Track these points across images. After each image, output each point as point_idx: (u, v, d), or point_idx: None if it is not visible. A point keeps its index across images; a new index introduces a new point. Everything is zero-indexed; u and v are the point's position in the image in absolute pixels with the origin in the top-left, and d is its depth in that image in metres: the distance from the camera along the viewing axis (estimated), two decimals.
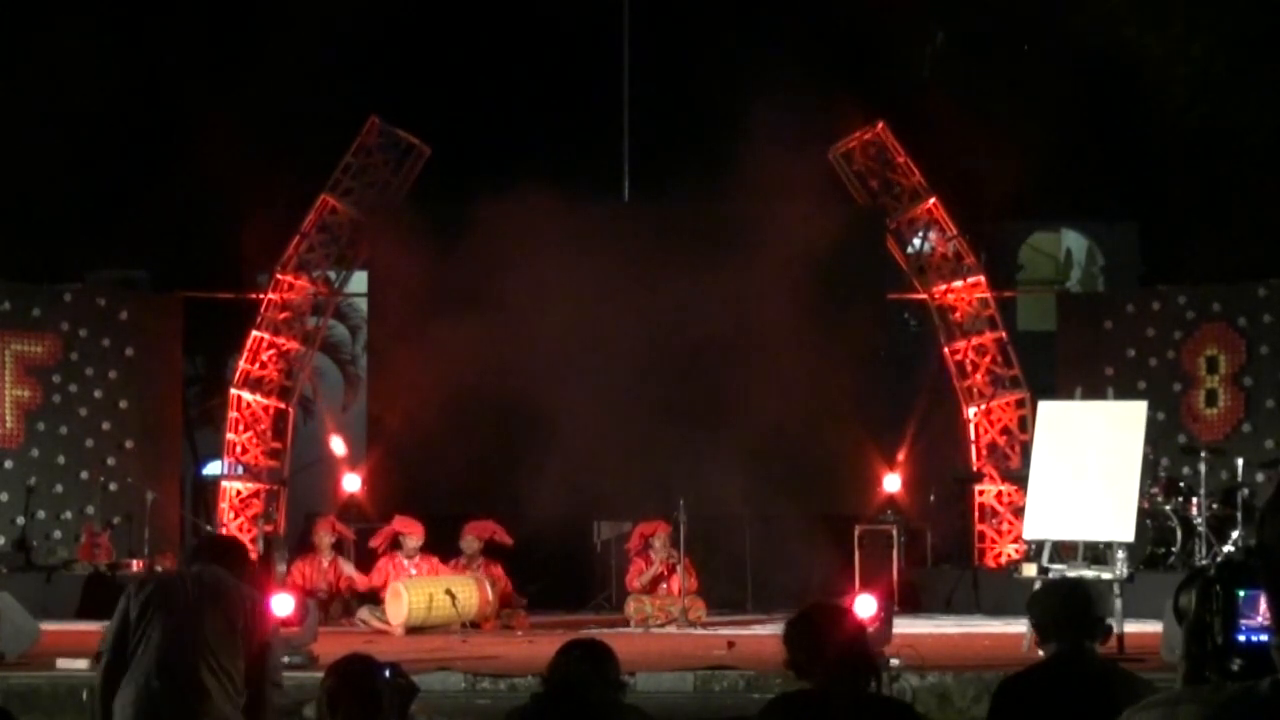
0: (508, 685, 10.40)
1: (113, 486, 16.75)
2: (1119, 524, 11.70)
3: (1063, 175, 20.70)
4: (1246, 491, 14.98)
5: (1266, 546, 1.92)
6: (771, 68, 16.74)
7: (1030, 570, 12.16)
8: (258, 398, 17.62)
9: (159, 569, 15.45)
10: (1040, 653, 4.94)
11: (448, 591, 14.16)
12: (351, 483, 17.13)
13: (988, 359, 17.56)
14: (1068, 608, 4.81)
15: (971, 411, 17.56)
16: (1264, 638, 2.13)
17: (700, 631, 14.21)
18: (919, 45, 21.62)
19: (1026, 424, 16.62)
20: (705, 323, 16.75)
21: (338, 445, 17.67)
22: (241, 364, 17.69)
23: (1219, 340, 16.88)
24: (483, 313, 16.35)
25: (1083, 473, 11.93)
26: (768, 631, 13.12)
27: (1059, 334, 18.32)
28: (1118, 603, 11.15)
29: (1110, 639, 5.23)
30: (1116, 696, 4.52)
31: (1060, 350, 18.02)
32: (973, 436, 17.56)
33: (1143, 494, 12.71)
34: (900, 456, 17.30)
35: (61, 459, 17.03)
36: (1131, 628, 11.24)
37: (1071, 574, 11.36)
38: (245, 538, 17.25)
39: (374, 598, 14.77)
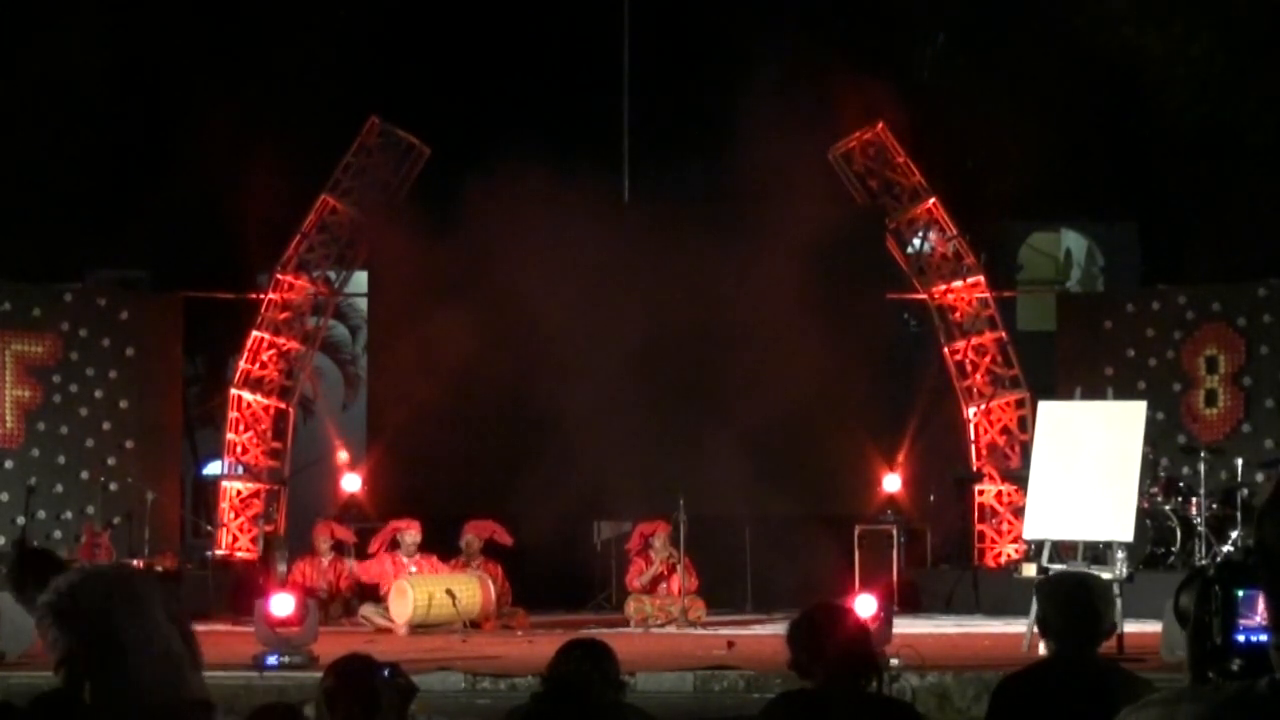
0: (508, 685, 10.40)
1: (113, 486, 16.74)
2: (1118, 524, 11.70)
3: (1063, 175, 20.68)
4: (1246, 491, 14.99)
5: (1266, 546, 1.92)
6: (771, 67, 16.74)
7: (1030, 570, 12.18)
8: (258, 398, 17.62)
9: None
10: (1041, 650, 4.93)
11: (448, 591, 14.16)
12: (351, 483, 17.13)
13: (988, 359, 17.56)
14: (1071, 607, 4.80)
15: (971, 411, 17.56)
16: (1263, 638, 2.12)
17: (700, 631, 14.20)
18: (919, 45, 21.62)
19: (1026, 424, 16.62)
20: (705, 323, 16.76)
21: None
22: (241, 364, 17.69)
23: (1219, 340, 16.88)
24: (482, 313, 16.36)
25: (1083, 473, 11.93)
26: (768, 631, 13.14)
27: (1059, 334, 18.32)
28: (1118, 603, 11.14)
29: (1110, 638, 5.22)
30: (1116, 696, 4.51)
31: (1060, 350, 18.02)
32: (973, 436, 17.56)
33: (1142, 494, 12.70)
34: (900, 456, 17.30)
35: (61, 459, 17.02)
36: (1131, 628, 11.24)
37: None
38: (245, 538, 17.28)
39: (375, 595, 14.78)
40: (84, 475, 17.01)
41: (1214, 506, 15.10)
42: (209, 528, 17.88)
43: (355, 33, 19.54)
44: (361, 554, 15.59)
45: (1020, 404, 17.29)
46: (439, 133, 18.01)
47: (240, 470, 17.58)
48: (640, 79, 18.33)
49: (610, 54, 18.32)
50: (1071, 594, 4.85)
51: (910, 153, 17.65)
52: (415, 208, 17.71)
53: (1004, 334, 17.68)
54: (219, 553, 17.16)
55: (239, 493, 17.48)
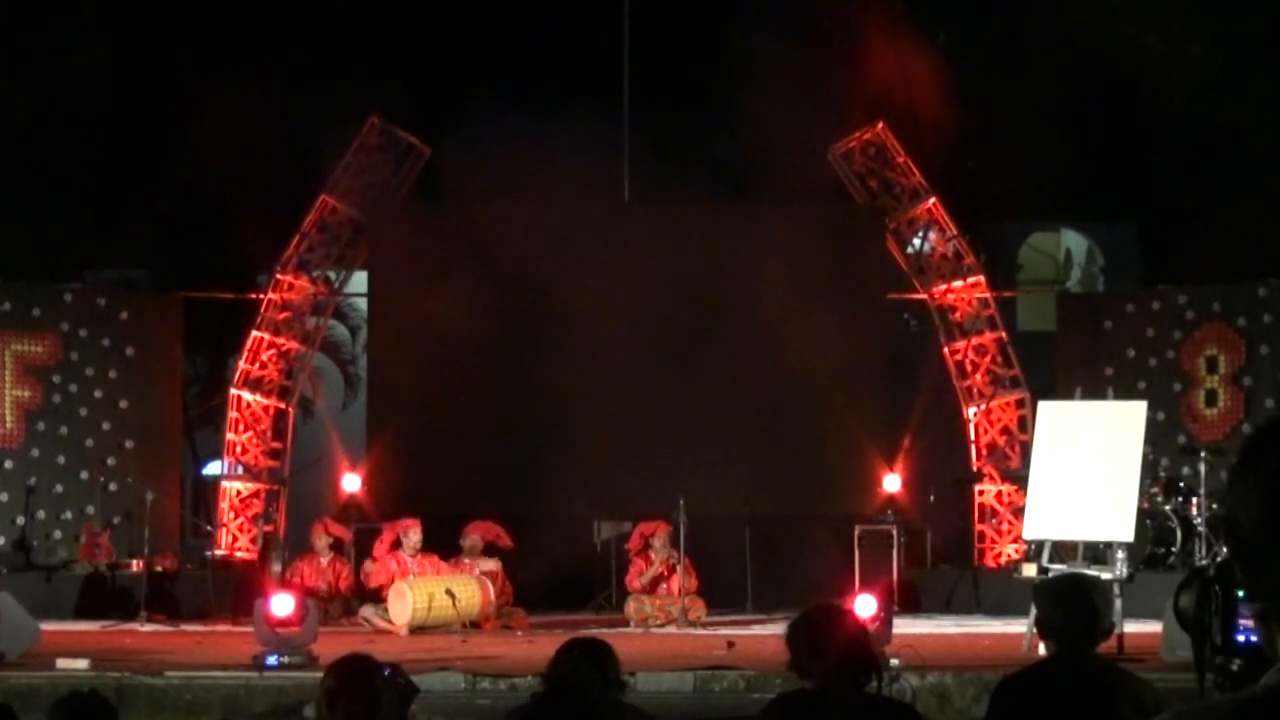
0: (508, 685, 10.40)
1: (113, 486, 16.74)
2: (1119, 524, 11.70)
3: (1063, 175, 20.68)
4: None
5: (1230, 518, 1.93)
6: (772, 67, 16.73)
7: (1030, 570, 12.16)
8: (258, 398, 17.62)
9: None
10: (1041, 650, 4.93)
11: (448, 591, 14.15)
12: (351, 483, 17.12)
13: (988, 359, 17.55)
14: (1070, 608, 4.79)
15: (971, 411, 17.56)
16: None
17: (700, 631, 14.20)
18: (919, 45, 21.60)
19: (1026, 424, 16.62)
20: (705, 323, 16.77)
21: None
22: (241, 364, 17.69)
23: (1219, 340, 16.87)
24: (482, 313, 16.36)
25: (1083, 473, 11.92)
26: (768, 631, 13.12)
27: (1059, 334, 18.32)
28: (1118, 603, 11.14)
29: (1110, 638, 5.21)
30: (1116, 696, 4.52)
31: (1060, 350, 18.01)
32: (973, 436, 17.55)
33: (1143, 494, 12.70)
34: (900, 456, 17.29)
35: (61, 459, 17.01)
36: (1131, 628, 11.24)
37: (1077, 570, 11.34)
38: (245, 538, 17.31)
39: (377, 596, 14.76)
40: (84, 475, 17.01)
41: (1214, 506, 15.07)
42: (209, 528, 17.88)
43: (355, 33, 19.53)
44: (360, 553, 15.57)
45: (1020, 404, 17.29)
46: (439, 133, 18.01)
47: (240, 470, 17.58)
48: (640, 80, 18.32)
49: (611, 53, 18.31)
50: (1071, 594, 4.85)
51: (910, 153, 17.62)
52: (415, 208, 17.72)
53: (1004, 334, 17.68)
54: (219, 553, 17.15)
55: (239, 493, 17.48)
